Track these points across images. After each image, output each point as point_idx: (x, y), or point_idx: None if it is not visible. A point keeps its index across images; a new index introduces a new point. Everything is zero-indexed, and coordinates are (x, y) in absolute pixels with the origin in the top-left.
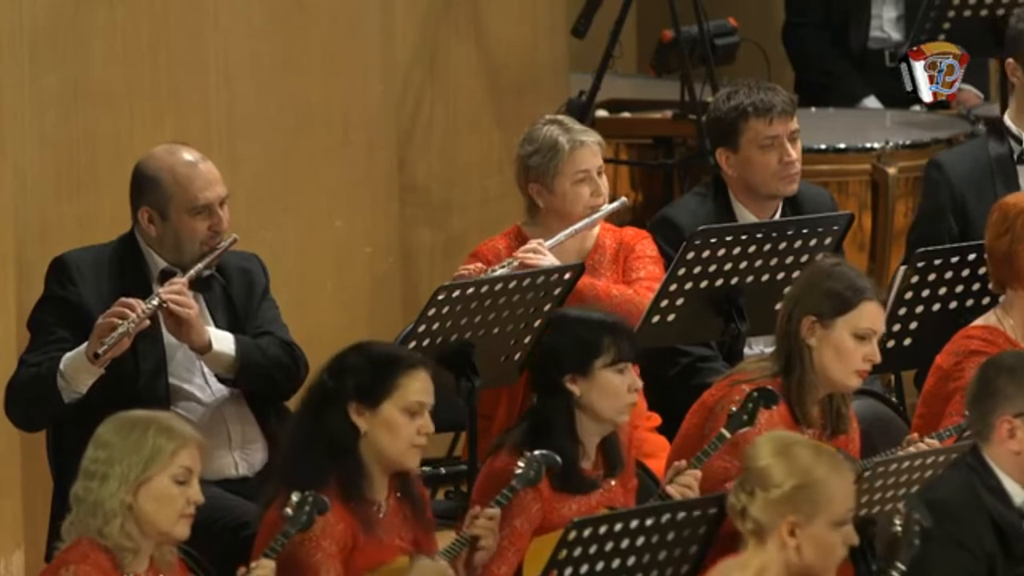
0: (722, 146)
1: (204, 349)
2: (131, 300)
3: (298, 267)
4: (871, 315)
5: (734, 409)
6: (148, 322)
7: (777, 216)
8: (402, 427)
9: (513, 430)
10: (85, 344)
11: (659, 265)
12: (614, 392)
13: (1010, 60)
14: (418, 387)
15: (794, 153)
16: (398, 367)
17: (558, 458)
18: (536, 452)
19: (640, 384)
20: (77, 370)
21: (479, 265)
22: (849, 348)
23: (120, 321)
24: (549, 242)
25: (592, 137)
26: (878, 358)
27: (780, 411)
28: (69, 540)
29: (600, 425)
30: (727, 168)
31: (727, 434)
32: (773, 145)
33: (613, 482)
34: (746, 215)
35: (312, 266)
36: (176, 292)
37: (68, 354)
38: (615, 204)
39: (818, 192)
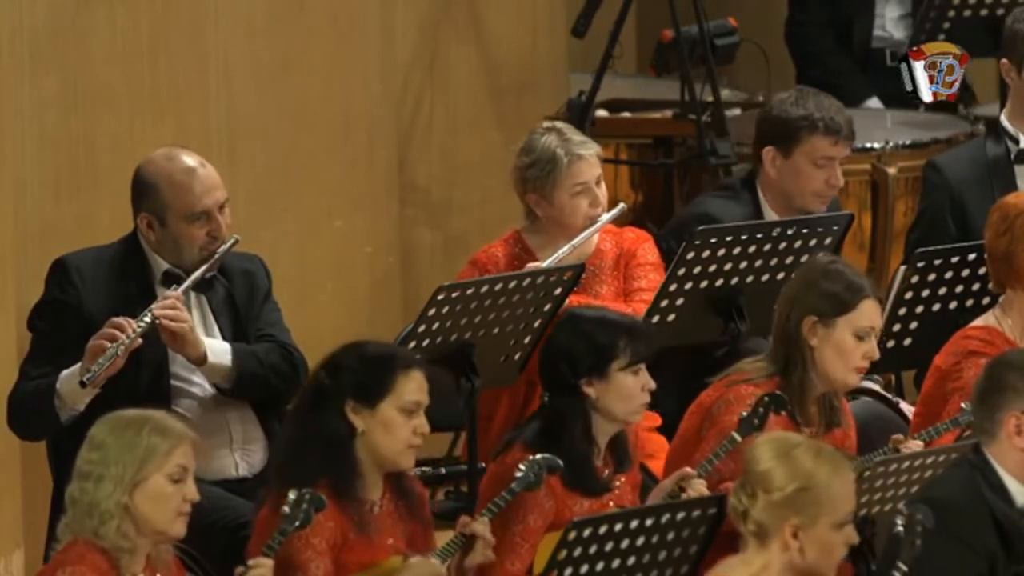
0: (773, 145)
1: (200, 361)
2: (121, 320)
3: (298, 267)
4: (870, 313)
5: (744, 413)
6: (140, 340)
7: None
8: (399, 427)
9: (525, 427)
10: (79, 365)
11: (660, 272)
12: (629, 394)
13: (1004, 60)
14: (414, 387)
15: (841, 178)
16: (395, 366)
17: (560, 461)
18: (538, 456)
19: (653, 384)
20: (73, 392)
21: None
22: (850, 347)
23: (109, 344)
24: (546, 263)
25: (590, 149)
26: (877, 355)
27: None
28: (65, 541)
29: (612, 424)
30: (770, 168)
31: (738, 438)
32: (827, 165)
33: (622, 478)
34: (772, 217)
35: (312, 266)
36: (169, 307)
37: (65, 373)
38: (613, 212)
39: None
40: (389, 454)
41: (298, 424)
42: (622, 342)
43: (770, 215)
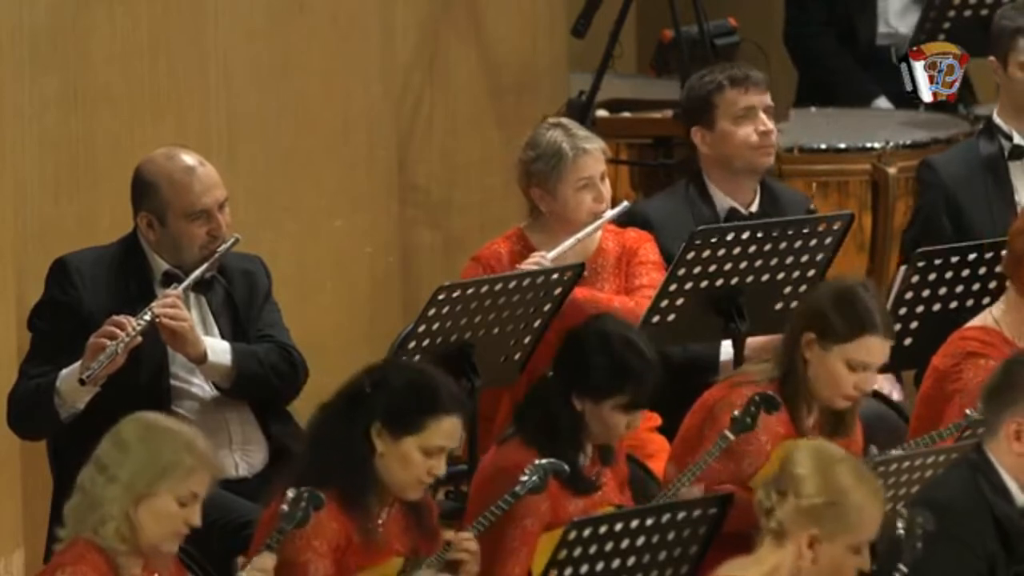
0: (697, 124)
1: (200, 360)
2: (121, 318)
3: (298, 267)
4: (869, 350)
5: (737, 413)
6: (140, 339)
7: (756, 202)
8: (415, 465)
9: (523, 426)
10: (79, 363)
11: (661, 271)
12: (612, 426)
13: (992, 59)
14: (444, 433)
15: (770, 124)
16: (432, 408)
17: (565, 467)
18: (544, 460)
19: (639, 424)
20: (72, 390)
21: None
22: (840, 375)
23: (109, 342)
24: (552, 253)
25: (595, 144)
26: (869, 388)
27: (780, 414)
28: (68, 524)
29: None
30: (702, 146)
31: (731, 436)
32: (748, 116)
33: (608, 473)
34: (721, 198)
35: (312, 266)
36: (169, 305)
37: (65, 371)
38: (618, 209)
39: (792, 190)
40: (398, 483)
41: (326, 423)
42: (629, 385)
43: (720, 197)
